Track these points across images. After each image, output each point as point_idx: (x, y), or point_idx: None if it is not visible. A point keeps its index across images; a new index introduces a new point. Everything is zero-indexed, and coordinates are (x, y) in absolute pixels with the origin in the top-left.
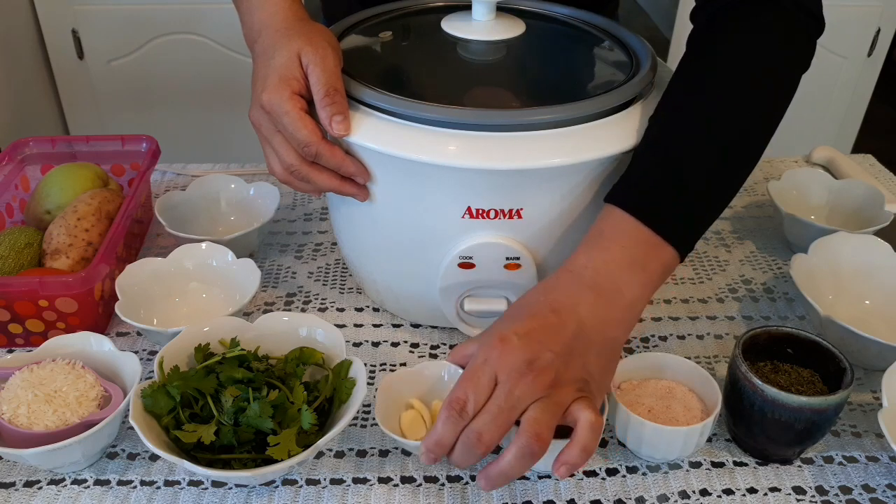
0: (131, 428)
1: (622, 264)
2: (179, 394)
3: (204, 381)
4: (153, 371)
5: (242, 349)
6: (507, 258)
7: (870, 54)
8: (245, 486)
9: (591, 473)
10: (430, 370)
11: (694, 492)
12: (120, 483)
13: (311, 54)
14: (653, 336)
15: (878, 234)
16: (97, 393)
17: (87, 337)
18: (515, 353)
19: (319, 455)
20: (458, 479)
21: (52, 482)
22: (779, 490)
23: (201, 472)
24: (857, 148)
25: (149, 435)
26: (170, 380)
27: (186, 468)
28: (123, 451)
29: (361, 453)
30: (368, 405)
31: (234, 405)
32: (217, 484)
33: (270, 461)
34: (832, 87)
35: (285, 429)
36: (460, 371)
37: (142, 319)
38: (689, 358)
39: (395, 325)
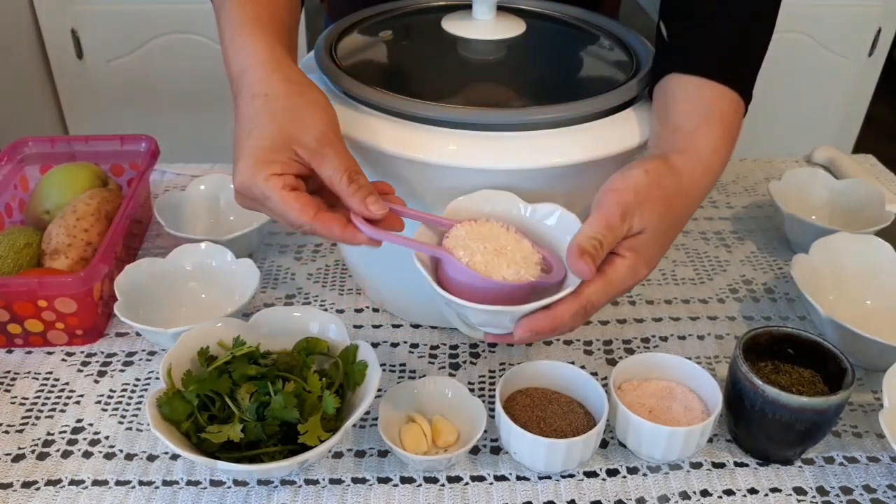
0: (130, 428)
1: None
2: (196, 398)
3: (219, 382)
4: (152, 372)
5: (250, 346)
6: None
7: (870, 54)
8: (244, 485)
9: (591, 474)
10: (433, 385)
11: (695, 492)
12: (118, 483)
13: (312, 141)
14: (653, 336)
15: (879, 234)
16: (538, 258)
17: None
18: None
19: None
20: (458, 479)
21: (50, 483)
22: (780, 490)
23: (240, 468)
24: (858, 148)
25: (174, 442)
26: (186, 385)
27: (223, 468)
28: (121, 451)
29: (360, 453)
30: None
31: (255, 400)
32: (215, 483)
33: (304, 449)
34: (833, 87)
35: (308, 417)
36: (463, 388)
37: (141, 320)
38: (689, 358)
39: (394, 326)
